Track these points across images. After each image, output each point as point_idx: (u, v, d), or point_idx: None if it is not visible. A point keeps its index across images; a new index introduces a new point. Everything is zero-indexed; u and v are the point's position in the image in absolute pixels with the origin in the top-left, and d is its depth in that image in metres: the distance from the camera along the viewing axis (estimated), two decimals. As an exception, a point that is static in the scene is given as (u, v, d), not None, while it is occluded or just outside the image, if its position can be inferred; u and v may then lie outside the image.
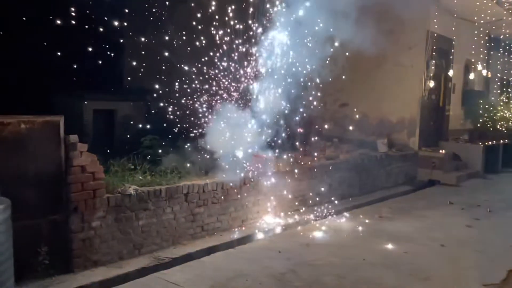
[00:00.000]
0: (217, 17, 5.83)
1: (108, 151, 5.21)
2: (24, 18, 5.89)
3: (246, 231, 5.44)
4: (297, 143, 6.63)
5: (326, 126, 7.65)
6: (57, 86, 6.24)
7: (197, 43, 5.93)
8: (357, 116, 9.19)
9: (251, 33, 5.90)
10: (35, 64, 5.90)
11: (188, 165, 5.47)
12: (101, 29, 5.88)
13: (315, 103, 6.56)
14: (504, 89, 14.92)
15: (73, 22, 5.91)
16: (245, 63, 5.92)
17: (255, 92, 5.92)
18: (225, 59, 5.84)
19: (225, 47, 5.79)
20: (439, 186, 9.18)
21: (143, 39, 6.40)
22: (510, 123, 12.42)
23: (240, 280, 4.20)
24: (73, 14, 5.94)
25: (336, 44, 6.23)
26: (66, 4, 5.96)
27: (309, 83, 6.26)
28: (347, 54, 6.43)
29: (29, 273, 3.72)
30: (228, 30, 5.81)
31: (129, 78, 6.62)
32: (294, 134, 6.39)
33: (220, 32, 5.81)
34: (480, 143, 10.71)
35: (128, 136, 6.24)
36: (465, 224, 6.39)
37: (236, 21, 5.82)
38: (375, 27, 6.26)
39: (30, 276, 3.72)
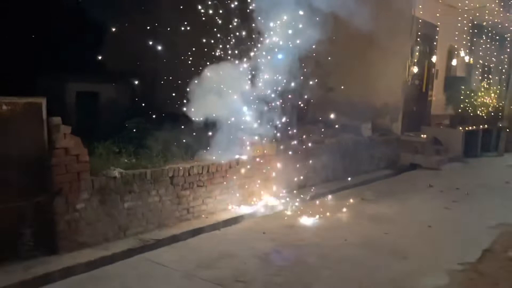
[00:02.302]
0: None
1: (93, 133, 5.17)
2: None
3: (231, 214, 5.52)
4: (283, 127, 6.67)
5: (312, 110, 7.71)
6: (40, 67, 6.11)
7: (185, 22, 5.86)
8: (342, 101, 9.26)
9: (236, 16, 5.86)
10: (17, 45, 5.76)
11: (174, 148, 5.48)
12: (85, 11, 5.75)
13: (302, 87, 6.59)
14: (485, 75, 15.20)
15: (56, 2, 5.76)
16: (228, 47, 5.89)
17: (243, 75, 5.90)
18: (212, 39, 5.79)
19: (212, 25, 5.73)
20: (420, 170, 9.40)
21: (127, 21, 6.29)
22: (489, 108, 12.71)
23: (225, 261, 4.28)
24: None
25: (323, 28, 6.23)
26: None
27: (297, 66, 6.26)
28: (333, 38, 6.44)
29: (14, 255, 3.73)
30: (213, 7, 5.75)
31: (113, 60, 6.50)
32: (280, 118, 6.42)
33: (207, 9, 5.74)
34: (461, 128, 10.97)
35: (112, 118, 6.19)
36: (443, 206, 6.60)
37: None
38: (361, 12, 6.28)
39: (15, 257, 3.72)
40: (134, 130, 5.60)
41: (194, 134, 5.61)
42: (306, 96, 6.89)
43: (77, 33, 6.20)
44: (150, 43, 6.12)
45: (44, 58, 5.93)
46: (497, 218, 5.97)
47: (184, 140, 5.60)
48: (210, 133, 5.65)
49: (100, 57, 6.29)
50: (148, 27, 6.18)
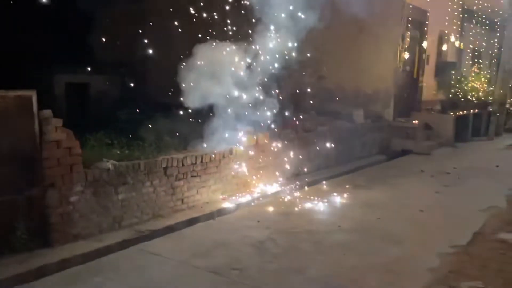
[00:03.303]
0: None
1: (83, 125, 5.13)
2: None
3: (226, 203, 5.54)
4: (277, 116, 6.67)
5: (304, 98, 7.71)
6: (27, 59, 6.01)
7: (177, 11, 5.78)
8: (334, 88, 9.27)
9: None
10: (3, 37, 5.65)
11: (167, 138, 5.46)
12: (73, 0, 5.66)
13: (294, 76, 6.58)
14: (476, 60, 15.28)
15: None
16: (220, 35, 5.84)
17: (235, 64, 5.86)
18: (204, 27, 5.73)
19: (204, 13, 5.66)
20: (411, 155, 9.49)
21: (117, 9, 6.20)
22: (480, 93, 12.81)
23: (220, 249, 4.32)
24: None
25: (313, 15, 6.19)
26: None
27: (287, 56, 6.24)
28: (323, 25, 6.41)
29: (7, 248, 3.72)
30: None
31: (102, 51, 6.40)
32: (273, 107, 6.42)
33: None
34: (451, 113, 11.06)
35: (103, 109, 6.14)
36: (435, 190, 6.69)
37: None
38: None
39: (9, 251, 3.72)
40: (126, 121, 5.56)
41: (186, 124, 5.59)
42: (298, 84, 6.88)
43: (66, 23, 6.09)
44: (141, 32, 6.05)
45: (31, 49, 5.82)
46: (487, 201, 6.06)
47: (176, 131, 5.58)
48: (203, 123, 5.63)
49: (89, 47, 6.22)
50: (139, 16, 6.09)
